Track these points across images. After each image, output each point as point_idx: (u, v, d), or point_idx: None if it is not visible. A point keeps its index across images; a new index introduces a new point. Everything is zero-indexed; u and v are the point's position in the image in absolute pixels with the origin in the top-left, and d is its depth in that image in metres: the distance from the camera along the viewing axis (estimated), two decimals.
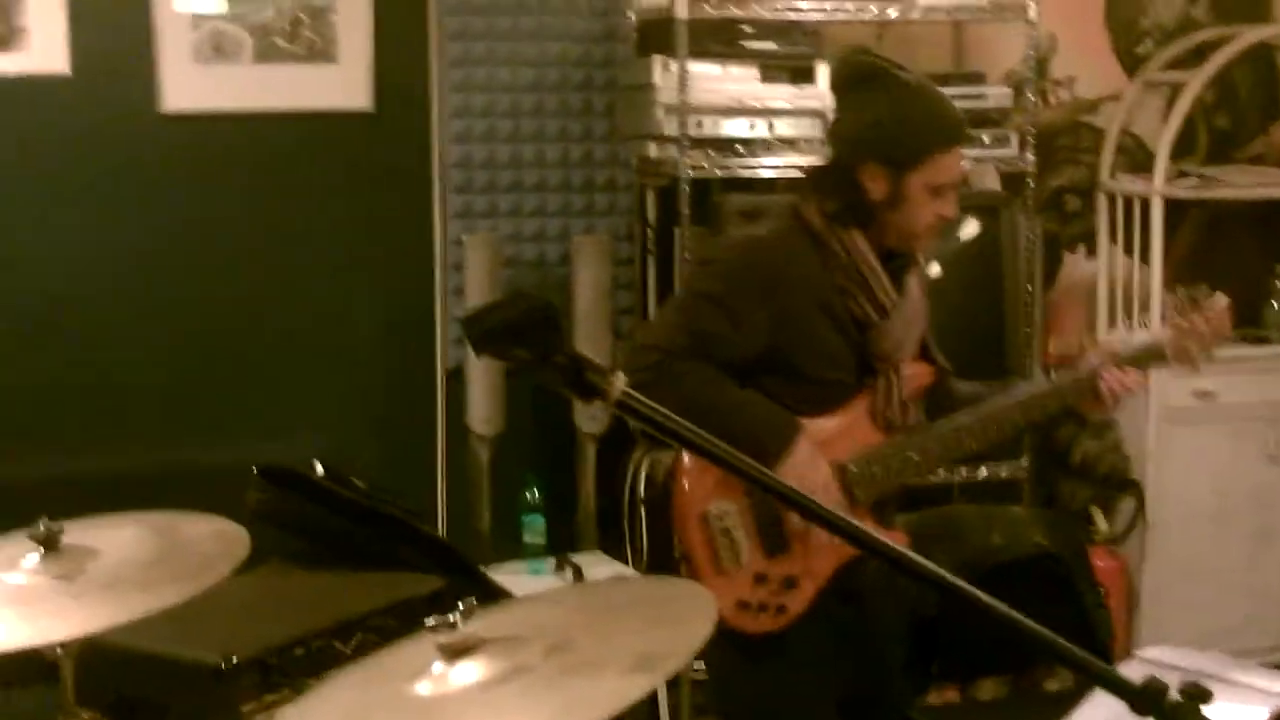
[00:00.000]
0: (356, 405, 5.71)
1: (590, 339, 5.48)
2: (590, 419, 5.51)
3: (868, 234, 3.31)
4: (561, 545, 5.37)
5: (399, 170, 5.75)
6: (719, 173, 5.32)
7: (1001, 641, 2.58)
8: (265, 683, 3.68)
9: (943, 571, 1.76)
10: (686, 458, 3.39)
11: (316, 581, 4.31)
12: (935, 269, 5.41)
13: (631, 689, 1.76)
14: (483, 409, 5.56)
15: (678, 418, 1.69)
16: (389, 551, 4.31)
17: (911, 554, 1.85)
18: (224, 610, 3.98)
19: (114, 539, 2.91)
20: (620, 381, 1.67)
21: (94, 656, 3.45)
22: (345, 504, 4.44)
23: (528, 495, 5.40)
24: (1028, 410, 3.41)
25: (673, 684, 3.29)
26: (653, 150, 5.48)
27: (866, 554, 2.04)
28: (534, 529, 5.36)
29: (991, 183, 5.77)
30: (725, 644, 3.56)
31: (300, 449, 4.73)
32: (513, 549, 5.36)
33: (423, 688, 1.92)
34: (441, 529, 5.64)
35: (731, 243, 3.86)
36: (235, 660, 3.67)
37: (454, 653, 1.94)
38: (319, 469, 4.52)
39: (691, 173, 5.26)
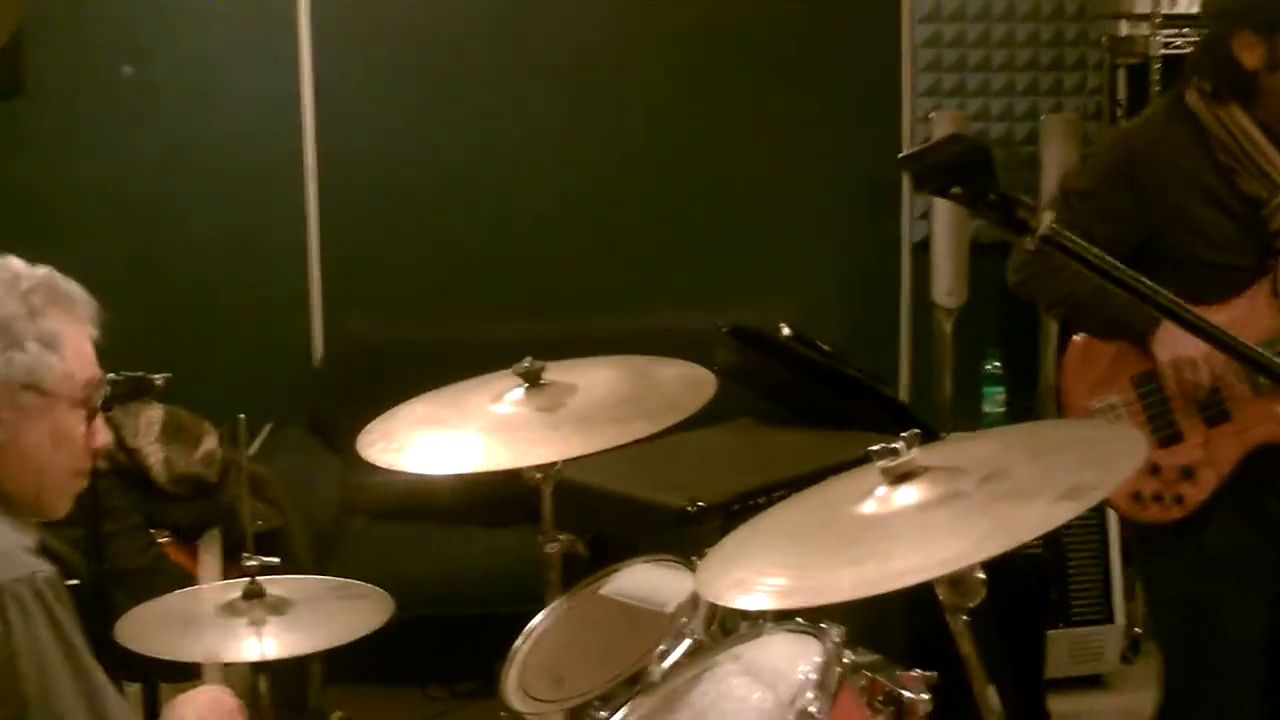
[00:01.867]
0: (823, 275, 5.88)
1: None
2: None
3: (1249, 108, 3.21)
4: (1020, 417, 5.43)
5: (868, 48, 5.86)
6: (1188, 49, 5.24)
7: None
8: (726, 528, 3.88)
9: None
10: (1072, 353, 3.43)
11: (779, 437, 4.50)
12: None
13: (1057, 515, 1.88)
14: (946, 281, 5.66)
15: (1105, 256, 1.78)
16: (850, 412, 4.46)
17: None
18: (691, 459, 4.24)
19: (591, 378, 3.14)
20: (1048, 219, 1.77)
21: (573, 496, 3.73)
22: (810, 364, 4.61)
23: (988, 367, 5.48)
24: None
25: None
26: (1124, 28, 5.43)
27: None
28: (994, 400, 5.45)
29: None
30: (1137, 537, 3.61)
31: (768, 314, 4.90)
32: (972, 419, 5.45)
33: (866, 508, 2.08)
34: (904, 396, 5.78)
35: (1107, 138, 3.80)
36: (701, 504, 3.90)
37: (896, 478, 2.09)
38: (785, 331, 4.70)
39: (1164, 50, 5.20)
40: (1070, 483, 1.93)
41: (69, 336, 2.28)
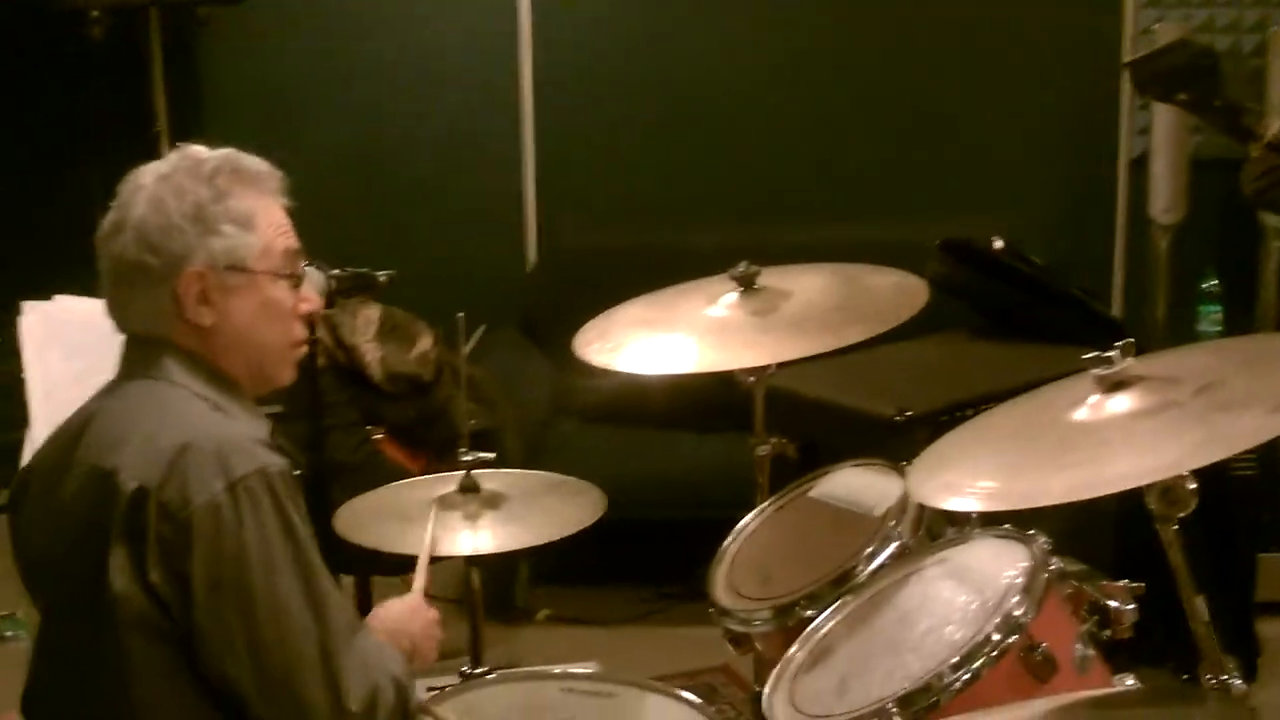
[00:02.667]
0: (1039, 190, 5.82)
1: None
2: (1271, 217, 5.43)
3: None
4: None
5: None
6: None
7: None
8: (934, 439, 3.90)
9: None
10: None
11: (989, 350, 4.50)
12: None
13: (1272, 426, 1.87)
14: (1164, 198, 5.57)
15: None
16: (1062, 327, 4.44)
17: None
18: (902, 370, 4.25)
19: (805, 284, 3.16)
20: (1276, 126, 1.76)
21: (783, 404, 3.76)
22: (1022, 279, 4.59)
23: (1205, 286, 5.39)
24: None
25: None
26: None
27: None
28: (1210, 319, 5.37)
29: None
30: None
31: (982, 228, 4.88)
32: (1187, 339, 5.37)
33: (1080, 414, 2.09)
34: (1118, 314, 5.71)
35: None
36: (909, 414, 3.92)
37: (1110, 386, 2.09)
38: (998, 245, 4.68)
39: None
40: None
41: (261, 211, 2.31)
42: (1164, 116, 5.48)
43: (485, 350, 5.36)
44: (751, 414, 3.19)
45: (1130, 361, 2.09)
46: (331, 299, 3.24)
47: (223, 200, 2.26)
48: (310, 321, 3.28)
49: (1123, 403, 2.08)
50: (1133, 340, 2.12)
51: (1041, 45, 5.76)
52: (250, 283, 2.29)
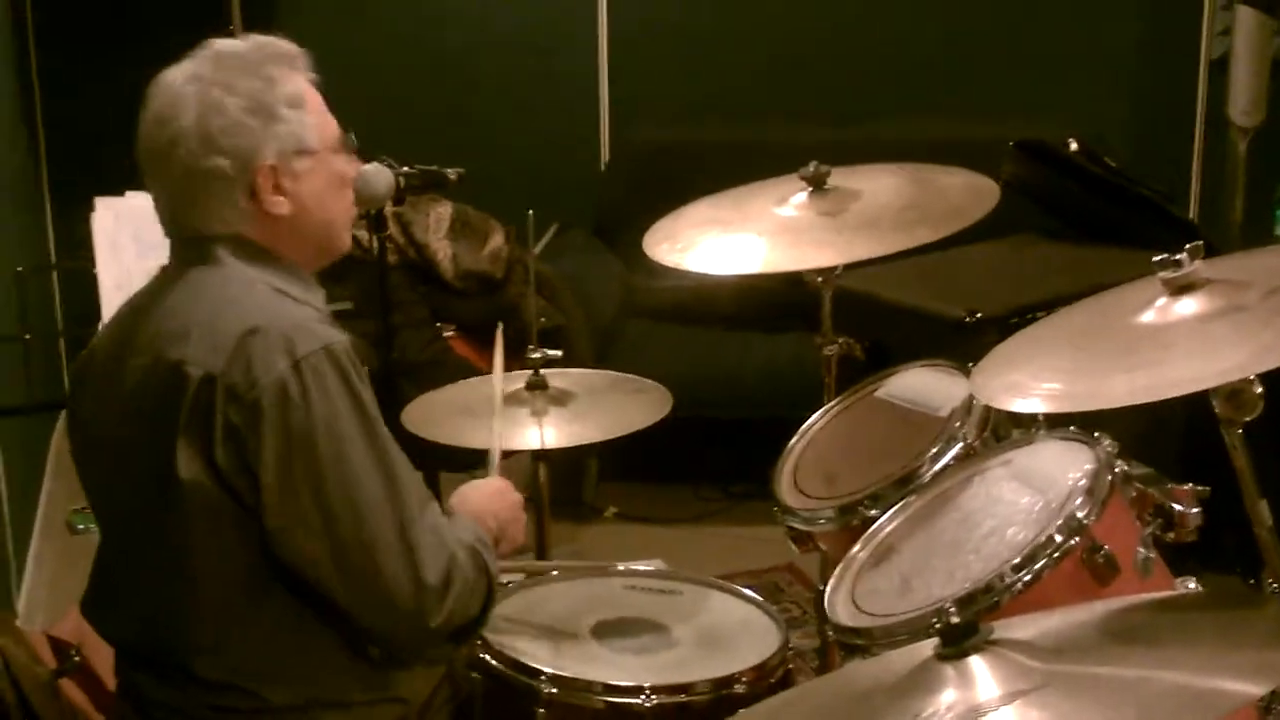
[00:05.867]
0: (1117, 91, 5.77)
1: None
2: None
3: None
4: None
5: None
6: None
7: None
8: (1003, 341, 3.89)
9: None
10: None
11: (1062, 252, 4.47)
12: None
13: None
14: (1244, 100, 5.49)
15: None
16: (1136, 229, 4.40)
17: None
18: (972, 271, 4.24)
19: (875, 184, 3.15)
20: None
21: (852, 304, 3.75)
22: (1096, 181, 4.55)
23: None
24: None
25: None
26: None
27: None
28: None
29: None
30: None
31: (1059, 129, 4.83)
32: (1264, 243, 5.31)
33: (1146, 317, 2.07)
34: (1193, 217, 5.66)
35: None
36: (979, 315, 3.90)
37: (1177, 288, 2.08)
38: (1073, 146, 4.64)
39: None
40: None
41: (305, 90, 2.29)
42: (1246, 18, 5.41)
43: (557, 249, 5.37)
44: (820, 314, 3.18)
45: (1198, 264, 2.07)
46: (401, 196, 3.25)
47: (275, 87, 2.25)
48: (381, 216, 3.33)
49: (1190, 306, 2.06)
50: (1201, 243, 2.09)
51: None
52: (318, 162, 2.29)
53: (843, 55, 5.76)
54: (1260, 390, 2.01)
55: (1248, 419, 2.04)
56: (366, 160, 3.08)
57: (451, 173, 3.39)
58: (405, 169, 3.23)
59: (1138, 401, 1.94)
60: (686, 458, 5.02)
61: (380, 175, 3.15)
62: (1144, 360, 2.00)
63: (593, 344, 4.81)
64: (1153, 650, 1.75)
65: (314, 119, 2.28)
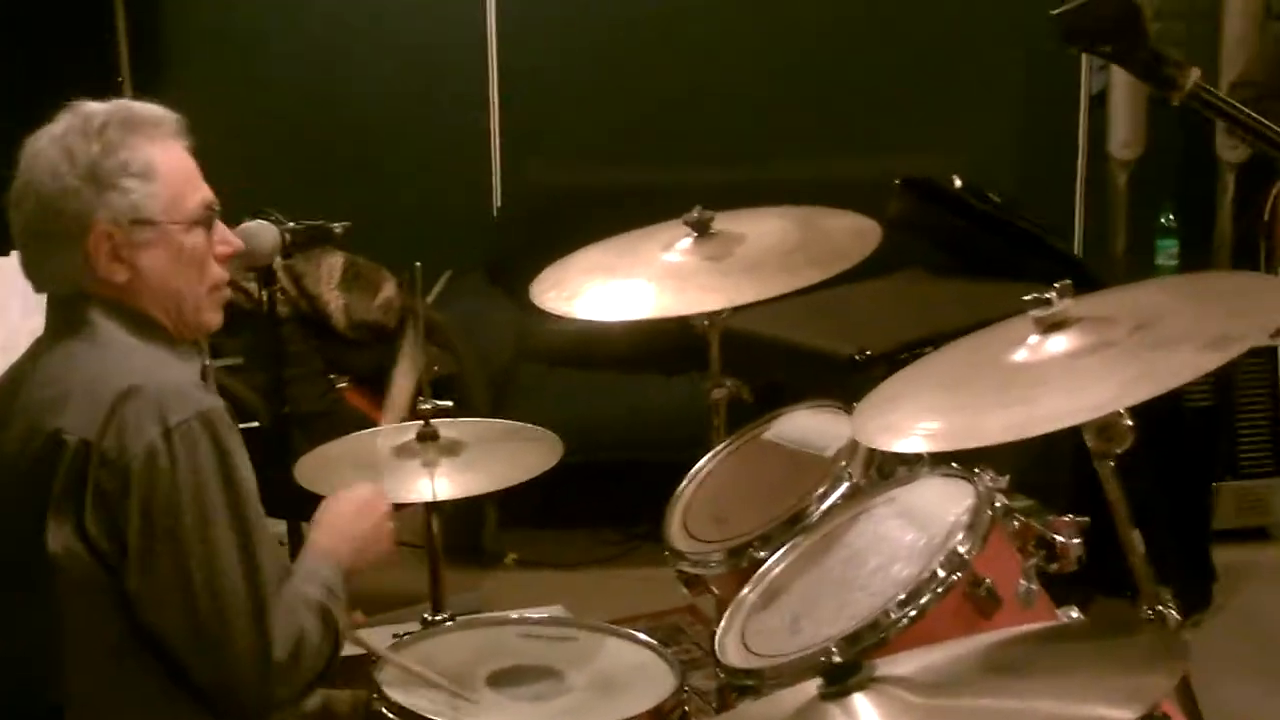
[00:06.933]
0: (1000, 126, 5.85)
1: None
2: (1231, 148, 5.47)
3: None
4: (1194, 270, 5.37)
5: None
6: None
7: None
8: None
9: None
10: None
11: (948, 288, 4.53)
12: None
13: (1201, 364, 1.90)
14: (1123, 134, 5.61)
15: (1247, 110, 1.80)
16: (1020, 264, 4.47)
17: None
18: (861, 310, 4.29)
19: (760, 227, 3.18)
20: (1194, 75, 1.80)
21: (745, 345, 3.78)
22: (980, 216, 4.63)
23: (1163, 219, 5.43)
24: None
25: None
26: None
27: None
28: (1167, 253, 5.41)
29: None
30: None
31: (944, 165, 4.90)
32: (1146, 273, 5.41)
33: (1019, 355, 2.12)
34: (1077, 249, 5.76)
35: None
36: (868, 353, 3.95)
37: (1048, 326, 2.13)
38: (958, 182, 4.71)
39: None
40: (1217, 332, 1.96)
41: (160, 159, 2.27)
42: None
43: (451, 295, 5.38)
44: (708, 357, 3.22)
45: (1068, 303, 2.12)
46: (288, 251, 3.25)
47: (115, 154, 2.24)
48: (270, 271, 3.32)
49: (1061, 343, 2.11)
50: (1070, 282, 2.15)
51: None
52: (160, 235, 2.27)
53: (735, 97, 5.80)
54: (1130, 423, 2.06)
55: (1119, 451, 2.09)
56: (253, 216, 3.09)
57: (338, 226, 3.38)
58: (291, 224, 3.22)
59: (1011, 439, 1.98)
60: (587, 502, 5.04)
61: (265, 232, 3.14)
62: (1016, 398, 2.05)
63: (489, 390, 4.82)
64: (1030, 680, 1.80)
65: (163, 190, 2.27)
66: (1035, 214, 4.78)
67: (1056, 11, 1.88)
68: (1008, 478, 2.38)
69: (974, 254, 4.61)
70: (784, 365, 4.07)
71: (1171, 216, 5.43)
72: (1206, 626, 4.26)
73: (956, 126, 5.80)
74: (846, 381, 3.72)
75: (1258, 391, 4.78)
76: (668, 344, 4.75)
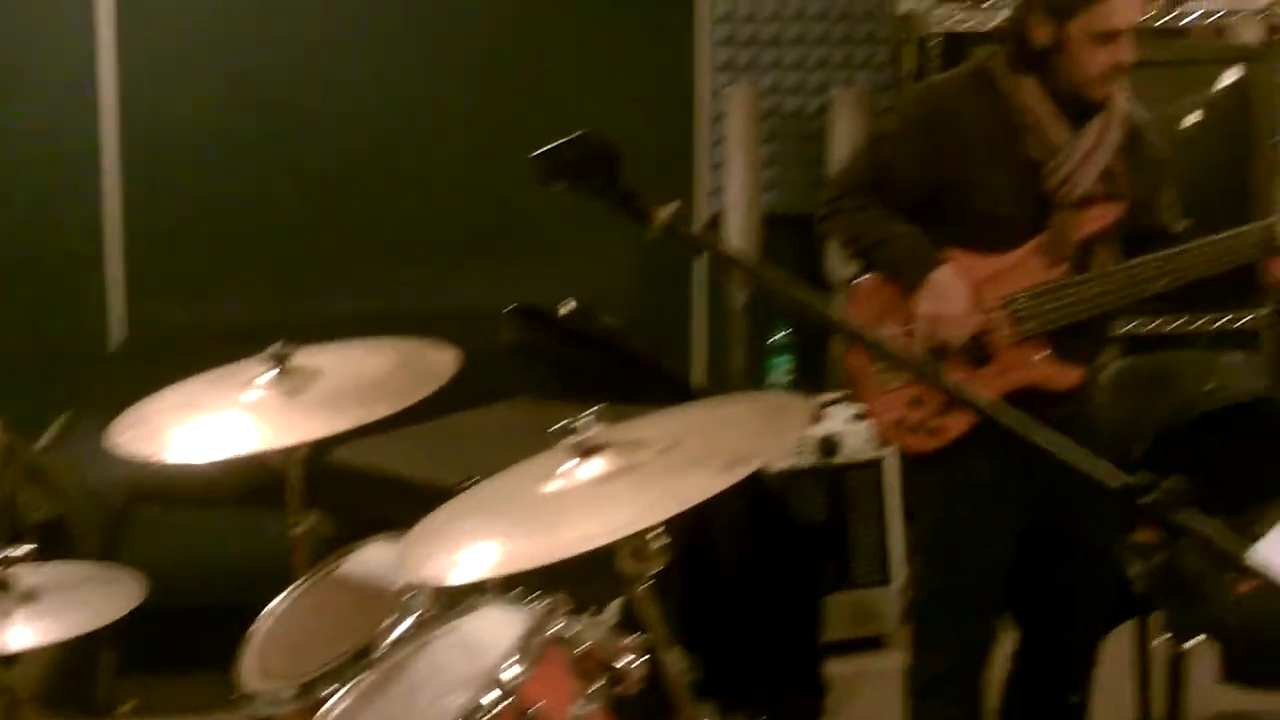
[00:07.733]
0: (618, 250, 5.87)
1: None
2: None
3: (1042, 81, 3.41)
4: (812, 385, 5.52)
5: (663, 23, 5.93)
6: (966, 27, 5.41)
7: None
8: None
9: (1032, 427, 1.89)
10: (863, 286, 3.59)
11: (563, 413, 4.57)
12: (1193, 118, 5.40)
13: (717, 483, 1.97)
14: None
15: (716, 242, 1.87)
16: (633, 386, 4.55)
17: (1006, 407, 1.98)
18: (473, 437, 4.31)
19: (339, 361, 3.18)
20: (666, 211, 1.89)
21: (350, 479, 3.74)
22: (592, 341, 4.71)
23: (777, 337, 5.59)
24: (1215, 254, 3.42)
25: None
26: (910, 3, 5.60)
27: None
28: (781, 369, 5.56)
29: (1252, 36, 5.68)
30: (903, 462, 3.85)
31: (565, 291, 4.95)
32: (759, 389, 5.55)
33: (554, 481, 2.16)
34: (700, 368, 5.87)
35: (915, 89, 3.99)
36: (476, 480, 3.95)
37: (583, 452, 2.17)
38: (570, 306, 4.78)
39: (943, 26, 5.38)
40: (734, 453, 2.02)
41: None
42: (736, 177, 5.68)
43: (68, 436, 5.23)
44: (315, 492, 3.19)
45: (600, 429, 2.16)
46: None
47: None
48: None
49: (596, 467, 2.15)
50: (604, 405, 2.20)
51: (617, 107, 5.85)
52: None
53: (360, 229, 5.78)
54: (661, 544, 2.11)
55: (653, 572, 2.13)
56: None
57: None
58: None
59: (540, 564, 2.01)
60: (209, 643, 4.90)
61: None
62: (546, 524, 2.08)
63: (101, 532, 4.69)
64: None
65: None
66: (659, 334, 4.87)
67: (535, 153, 1.98)
68: (561, 599, 2.41)
69: (585, 378, 4.67)
70: (391, 498, 4.05)
71: (786, 333, 5.58)
72: None
73: (578, 250, 5.83)
74: None
75: (867, 504, 4.91)
76: (277, 479, 4.72)
